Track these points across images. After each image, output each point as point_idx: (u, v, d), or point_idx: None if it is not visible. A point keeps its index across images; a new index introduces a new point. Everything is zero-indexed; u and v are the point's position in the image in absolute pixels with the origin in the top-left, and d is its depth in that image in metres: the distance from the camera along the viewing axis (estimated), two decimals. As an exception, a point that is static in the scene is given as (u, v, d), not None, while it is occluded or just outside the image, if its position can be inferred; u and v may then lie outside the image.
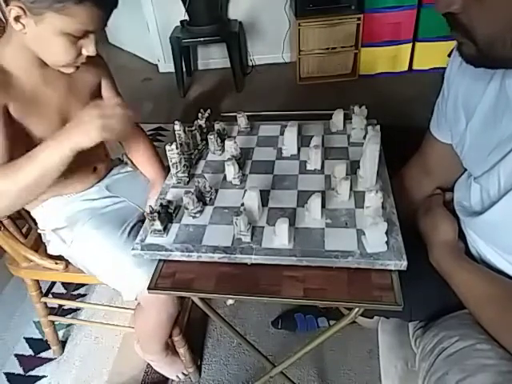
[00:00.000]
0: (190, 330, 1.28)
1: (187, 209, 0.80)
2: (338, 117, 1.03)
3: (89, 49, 0.82)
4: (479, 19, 0.55)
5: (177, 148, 0.87)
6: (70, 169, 0.97)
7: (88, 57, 0.84)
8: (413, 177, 0.97)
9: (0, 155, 0.80)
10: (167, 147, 0.86)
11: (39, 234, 1.10)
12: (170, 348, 1.23)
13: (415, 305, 0.80)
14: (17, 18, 0.75)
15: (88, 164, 1.05)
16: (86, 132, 0.74)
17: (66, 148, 0.74)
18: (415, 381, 0.78)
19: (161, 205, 0.80)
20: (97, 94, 1.03)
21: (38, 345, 1.45)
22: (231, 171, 0.88)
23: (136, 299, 0.99)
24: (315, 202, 0.74)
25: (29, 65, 0.85)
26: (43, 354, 1.42)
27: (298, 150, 0.97)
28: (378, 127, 0.88)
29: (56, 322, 1.37)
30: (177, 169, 0.90)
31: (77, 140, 0.74)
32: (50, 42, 0.79)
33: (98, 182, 1.09)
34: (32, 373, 1.37)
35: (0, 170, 0.76)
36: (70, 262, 1.08)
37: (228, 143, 0.91)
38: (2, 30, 1.07)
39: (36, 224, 1.10)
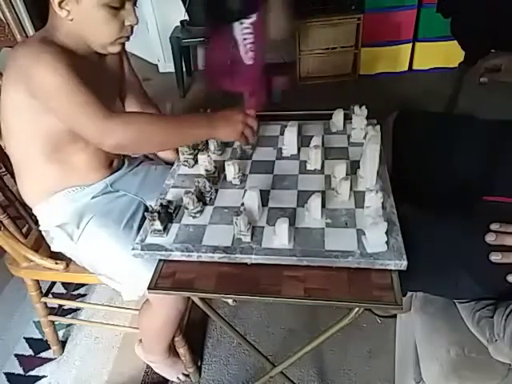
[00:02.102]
0: (189, 330, 1.28)
1: (187, 209, 0.80)
2: (337, 117, 1.03)
3: (130, 18, 0.86)
4: None
5: (177, 148, 0.88)
6: (96, 154, 0.99)
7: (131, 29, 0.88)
8: None
9: (99, 106, 0.80)
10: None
11: (39, 234, 1.09)
12: (171, 349, 1.23)
13: (462, 284, 0.76)
14: (60, 4, 0.80)
15: (108, 157, 1.05)
16: (228, 130, 0.87)
17: (205, 130, 0.87)
18: (471, 368, 0.77)
19: (161, 205, 0.80)
20: (122, 75, 1.11)
21: (38, 345, 1.45)
22: (231, 171, 0.88)
23: (139, 296, 0.98)
24: (315, 202, 0.74)
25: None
26: (43, 354, 1.42)
27: (298, 149, 0.97)
28: (378, 127, 0.88)
29: (56, 322, 1.37)
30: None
31: (218, 132, 0.87)
32: (94, 19, 0.83)
33: (105, 177, 1.07)
34: (32, 373, 1.37)
35: (154, 118, 0.88)
36: (71, 260, 1.07)
37: (201, 157, 0.90)
38: (2, 30, 1.07)
39: (36, 224, 1.10)
